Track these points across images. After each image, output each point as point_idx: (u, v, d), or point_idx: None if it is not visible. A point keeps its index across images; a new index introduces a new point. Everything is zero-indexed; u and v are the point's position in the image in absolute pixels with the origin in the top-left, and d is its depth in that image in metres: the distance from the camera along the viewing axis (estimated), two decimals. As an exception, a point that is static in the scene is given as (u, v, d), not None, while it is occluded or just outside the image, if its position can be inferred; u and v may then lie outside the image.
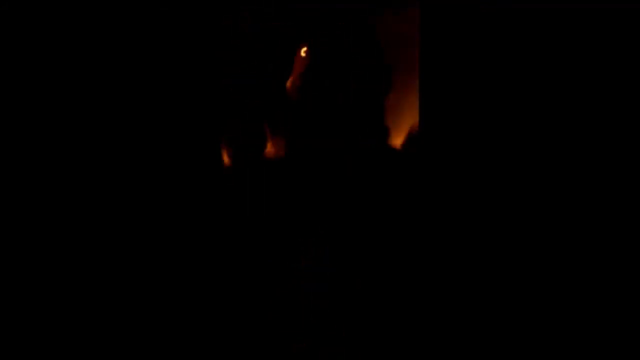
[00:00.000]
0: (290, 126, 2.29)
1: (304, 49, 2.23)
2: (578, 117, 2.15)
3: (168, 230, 2.35)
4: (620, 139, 2.11)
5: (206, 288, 2.28)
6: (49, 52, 2.38)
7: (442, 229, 2.17)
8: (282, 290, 2.17)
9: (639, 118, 2.11)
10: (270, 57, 2.47)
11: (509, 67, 2.19)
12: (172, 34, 2.44)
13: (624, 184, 2.11)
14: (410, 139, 2.31)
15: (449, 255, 2.17)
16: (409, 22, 2.33)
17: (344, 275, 2.14)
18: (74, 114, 2.39)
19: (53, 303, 2.33)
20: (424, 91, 2.24)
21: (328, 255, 2.14)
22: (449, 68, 2.22)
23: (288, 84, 2.26)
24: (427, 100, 2.23)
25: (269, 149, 2.33)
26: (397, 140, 2.33)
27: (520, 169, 2.17)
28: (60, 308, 2.33)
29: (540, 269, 2.14)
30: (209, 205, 2.31)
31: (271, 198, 2.21)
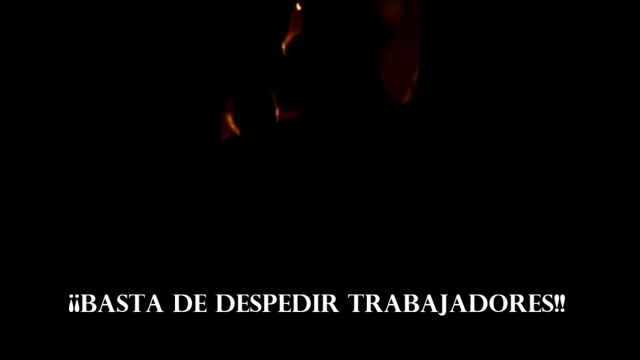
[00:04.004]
0: (299, 91, 2.29)
1: (298, 7, 2.25)
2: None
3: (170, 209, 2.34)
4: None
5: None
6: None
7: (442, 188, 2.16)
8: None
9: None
10: (267, 19, 2.46)
11: (510, 21, 2.18)
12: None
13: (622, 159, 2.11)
14: (410, 93, 2.31)
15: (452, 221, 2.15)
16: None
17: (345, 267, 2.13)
18: (72, 97, 2.38)
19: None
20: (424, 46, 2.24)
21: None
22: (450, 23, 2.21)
23: (284, 44, 2.27)
24: (428, 54, 2.23)
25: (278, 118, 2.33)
26: (395, 95, 2.32)
27: (522, 124, 2.16)
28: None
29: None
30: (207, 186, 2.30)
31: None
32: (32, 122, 2.35)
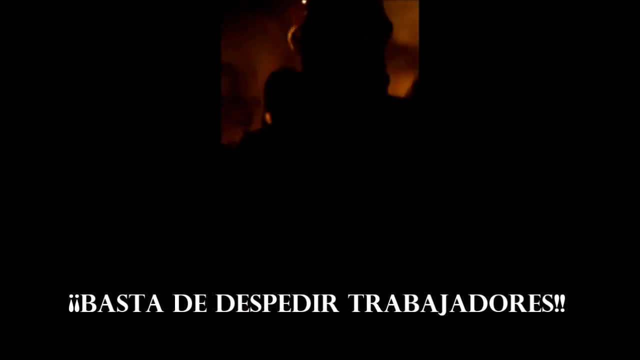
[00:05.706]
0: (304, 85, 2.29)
1: (304, 0, 2.25)
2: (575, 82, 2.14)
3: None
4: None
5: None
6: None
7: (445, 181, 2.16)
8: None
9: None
10: None
11: (508, 16, 2.18)
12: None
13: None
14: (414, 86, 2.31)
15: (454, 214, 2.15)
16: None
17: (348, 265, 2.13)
18: (74, 98, 2.38)
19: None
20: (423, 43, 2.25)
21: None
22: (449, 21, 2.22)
23: (289, 35, 2.27)
24: (427, 48, 2.23)
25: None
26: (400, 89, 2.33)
27: (522, 117, 2.16)
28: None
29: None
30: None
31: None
32: (32, 123, 2.35)
